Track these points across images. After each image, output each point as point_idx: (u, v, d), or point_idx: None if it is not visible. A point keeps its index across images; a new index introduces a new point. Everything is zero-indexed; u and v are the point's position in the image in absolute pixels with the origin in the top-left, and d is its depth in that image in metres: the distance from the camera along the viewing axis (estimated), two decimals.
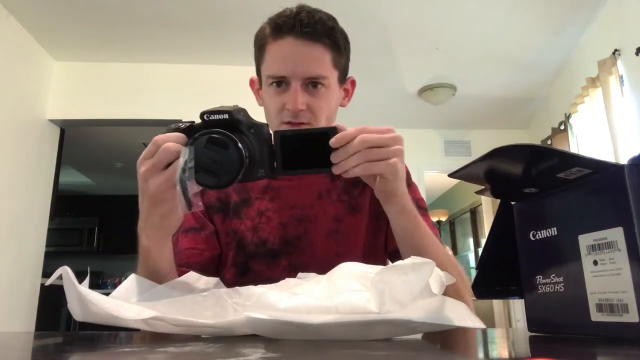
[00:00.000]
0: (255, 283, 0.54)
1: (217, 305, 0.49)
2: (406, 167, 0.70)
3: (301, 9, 0.79)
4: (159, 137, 0.56)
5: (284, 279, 0.55)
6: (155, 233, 0.61)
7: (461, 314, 0.44)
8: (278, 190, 0.86)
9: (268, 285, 0.53)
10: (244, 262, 0.81)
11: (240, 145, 0.55)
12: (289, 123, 0.79)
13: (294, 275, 0.56)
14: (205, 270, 0.71)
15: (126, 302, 0.47)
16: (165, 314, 0.46)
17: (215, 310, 0.49)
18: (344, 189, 0.87)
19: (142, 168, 0.57)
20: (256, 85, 0.89)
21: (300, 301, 0.44)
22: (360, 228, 0.84)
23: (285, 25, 0.78)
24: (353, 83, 0.91)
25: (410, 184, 0.83)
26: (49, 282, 0.52)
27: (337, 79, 0.84)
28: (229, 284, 0.68)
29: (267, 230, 0.82)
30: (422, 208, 0.84)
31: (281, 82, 0.80)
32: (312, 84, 0.79)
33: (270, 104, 0.82)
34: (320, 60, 0.79)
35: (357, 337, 0.44)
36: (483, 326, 0.43)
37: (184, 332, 0.49)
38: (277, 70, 0.79)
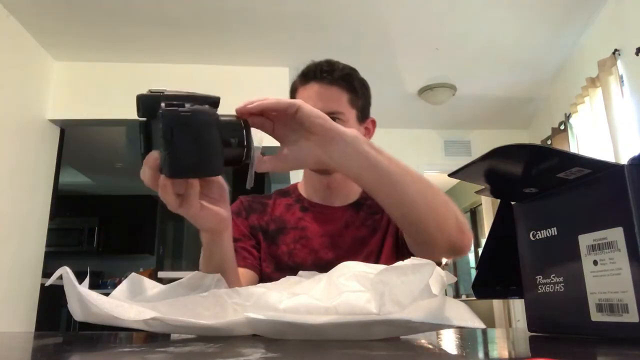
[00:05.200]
0: None
1: (217, 305, 0.49)
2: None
3: (324, 60, 0.96)
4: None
5: None
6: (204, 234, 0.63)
7: (461, 314, 0.44)
8: (311, 222, 1.00)
9: (268, 285, 0.53)
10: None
11: None
12: None
13: None
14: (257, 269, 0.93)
15: (126, 303, 0.47)
16: (165, 314, 0.46)
17: (215, 311, 0.49)
18: (366, 217, 0.99)
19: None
20: None
21: (299, 302, 0.44)
22: (384, 245, 0.95)
23: (309, 73, 0.95)
24: (374, 123, 1.04)
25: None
26: (49, 282, 0.51)
27: (356, 117, 0.97)
28: None
29: (302, 255, 0.95)
30: None
31: None
32: (331, 119, 0.86)
33: None
34: (337, 99, 0.94)
35: (357, 337, 0.44)
36: (483, 326, 0.43)
37: (183, 333, 0.49)
38: None
